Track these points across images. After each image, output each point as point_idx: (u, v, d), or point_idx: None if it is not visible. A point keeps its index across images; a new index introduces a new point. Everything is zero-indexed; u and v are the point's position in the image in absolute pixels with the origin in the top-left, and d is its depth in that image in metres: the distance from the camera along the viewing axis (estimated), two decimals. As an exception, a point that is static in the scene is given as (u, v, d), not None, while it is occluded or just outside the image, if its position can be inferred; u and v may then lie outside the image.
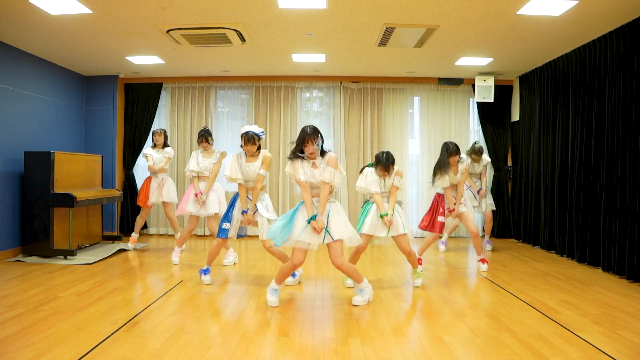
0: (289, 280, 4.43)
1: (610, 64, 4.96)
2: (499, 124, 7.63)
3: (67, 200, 5.62)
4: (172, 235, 7.55)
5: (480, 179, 6.24)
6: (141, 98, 7.59)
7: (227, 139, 7.72)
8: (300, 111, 7.74)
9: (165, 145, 6.19)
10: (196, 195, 5.24)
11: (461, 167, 5.02)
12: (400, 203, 4.41)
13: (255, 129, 4.28)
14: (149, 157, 6.12)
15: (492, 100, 7.19)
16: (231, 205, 4.40)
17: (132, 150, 7.54)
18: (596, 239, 5.22)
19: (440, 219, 4.96)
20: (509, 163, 7.67)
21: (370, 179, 4.26)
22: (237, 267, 5.28)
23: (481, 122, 7.60)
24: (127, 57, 6.36)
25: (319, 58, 6.42)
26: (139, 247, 6.40)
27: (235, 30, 5.19)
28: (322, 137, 3.67)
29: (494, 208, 6.42)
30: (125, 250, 6.22)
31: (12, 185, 5.73)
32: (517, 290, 4.26)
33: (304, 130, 3.62)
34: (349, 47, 5.87)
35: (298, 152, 3.65)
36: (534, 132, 6.78)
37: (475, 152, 6.08)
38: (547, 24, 4.87)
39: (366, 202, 4.42)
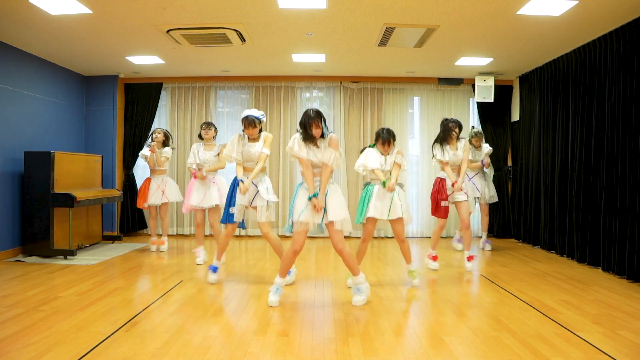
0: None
1: (610, 64, 4.96)
2: (499, 124, 7.63)
3: (67, 200, 5.62)
4: (173, 236, 7.57)
5: (483, 170, 6.33)
6: (141, 98, 7.59)
7: (227, 139, 7.69)
8: (300, 111, 7.73)
9: (164, 145, 6.19)
10: (194, 175, 5.28)
11: (460, 144, 5.02)
12: (402, 185, 4.39)
13: (255, 112, 4.31)
14: (143, 156, 6.18)
15: (492, 100, 7.19)
16: (232, 190, 4.38)
17: (132, 150, 7.54)
18: (596, 239, 5.22)
19: (443, 203, 4.98)
20: (509, 163, 7.67)
21: (370, 156, 4.27)
22: (237, 267, 5.27)
23: (481, 122, 7.60)
24: (127, 57, 6.36)
25: (319, 58, 6.42)
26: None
27: (235, 30, 5.19)
28: (324, 118, 3.70)
29: (497, 199, 6.48)
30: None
31: (12, 185, 5.74)
32: (517, 290, 4.26)
33: (307, 114, 3.65)
34: (349, 47, 5.87)
35: (305, 135, 3.67)
36: (534, 132, 6.78)
37: (475, 135, 6.15)
38: (547, 24, 4.87)
39: (367, 184, 4.40)
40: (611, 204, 4.90)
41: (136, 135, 7.56)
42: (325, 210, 3.67)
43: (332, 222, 3.70)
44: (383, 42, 5.56)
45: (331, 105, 7.72)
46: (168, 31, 5.19)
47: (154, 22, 4.93)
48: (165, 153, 6.13)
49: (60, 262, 5.41)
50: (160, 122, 7.79)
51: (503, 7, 4.44)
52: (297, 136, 3.75)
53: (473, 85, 7.38)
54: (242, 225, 4.44)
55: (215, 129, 5.52)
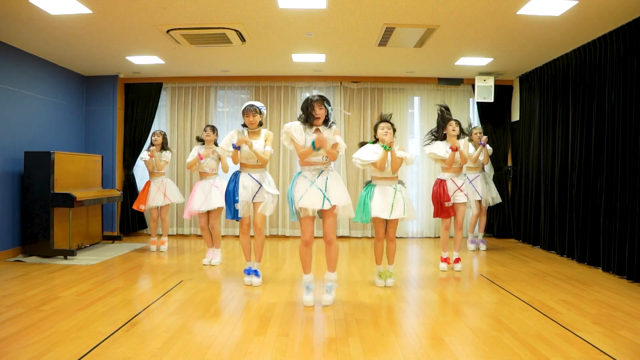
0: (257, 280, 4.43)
1: (610, 64, 4.96)
2: (499, 124, 7.63)
3: (67, 200, 5.62)
4: (173, 236, 7.58)
5: (482, 170, 6.34)
6: (141, 98, 7.59)
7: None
8: (300, 111, 7.72)
9: (164, 147, 6.17)
10: (200, 156, 5.32)
11: (461, 142, 5.01)
12: (402, 183, 4.38)
13: (257, 103, 4.37)
14: (142, 160, 6.22)
15: (492, 100, 7.19)
16: (233, 187, 4.35)
17: (132, 150, 7.54)
18: (596, 239, 5.22)
19: (447, 204, 4.98)
20: (509, 163, 7.67)
21: (370, 150, 4.22)
22: (238, 267, 5.28)
23: (481, 122, 7.59)
24: (127, 57, 6.36)
25: (319, 58, 6.42)
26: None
27: (235, 30, 5.19)
28: (328, 101, 3.70)
29: (500, 200, 6.49)
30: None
31: (12, 185, 5.74)
32: (517, 290, 4.26)
33: (309, 97, 3.69)
34: (349, 47, 5.87)
35: (306, 118, 3.67)
36: (534, 132, 6.78)
37: (477, 133, 6.16)
38: (547, 24, 4.87)
39: (368, 183, 4.39)
40: (611, 204, 4.90)
41: (136, 135, 7.56)
42: (325, 196, 3.61)
43: (330, 209, 3.65)
44: (383, 42, 5.56)
45: (331, 105, 7.71)
46: (168, 31, 5.19)
47: (154, 22, 4.93)
48: (165, 157, 6.13)
49: (60, 262, 5.41)
50: (160, 122, 7.80)
51: (503, 7, 4.44)
52: (293, 123, 3.75)
53: (473, 85, 7.38)
54: (237, 218, 4.36)
55: (217, 135, 5.56)
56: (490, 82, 7.14)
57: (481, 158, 6.25)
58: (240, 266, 5.33)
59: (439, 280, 4.75)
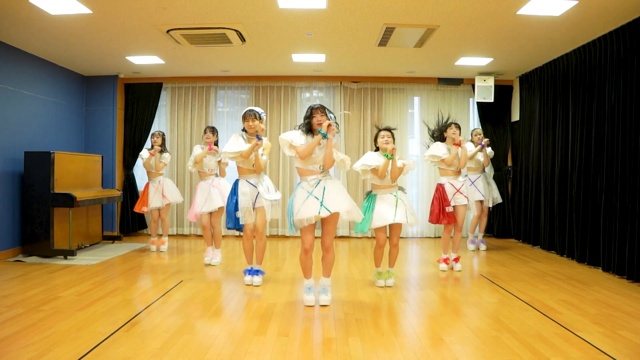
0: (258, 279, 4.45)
1: (610, 64, 4.96)
2: (499, 124, 7.63)
3: (67, 200, 5.62)
4: (173, 236, 7.57)
5: (483, 171, 6.35)
6: (141, 98, 7.58)
7: (227, 139, 7.70)
8: (300, 111, 7.74)
9: (163, 148, 6.16)
10: (210, 147, 5.34)
11: (464, 144, 5.05)
12: (403, 189, 4.38)
13: (257, 109, 4.42)
14: (141, 157, 6.21)
15: (492, 100, 7.19)
16: (234, 194, 4.38)
17: (132, 150, 7.54)
18: (596, 239, 5.22)
19: (448, 209, 4.98)
20: (509, 163, 7.67)
21: (372, 158, 4.22)
22: (238, 267, 5.28)
23: (481, 122, 7.59)
24: (127, 57, 6.36)
25: (319, 58, 6.42)
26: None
27: (235, 30, 5.19)
28: (329, 111, 3.71)
29: (501, 201, 6.51)
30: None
31: (12, 185, 5.74)
32: (517, 290, 4.26)
33: (311, 106, 3.72)
34: (349, 47, 5.87)
35: (307, 125, 3.69)
36: (534, 132, 6.78)
37: (478, 134, 6.18)
38: (547, 24, 4.87)
39: (369, 193, 4.39)
40: (611, 204, 4.90)
41: (136, 135, 7.56)
42: (322, 204, 3.58)
43: (329, 217, 3.63)
44: (383, 42, 5.56)
45: (331, 105, 7.72)
46: (168, 31, 5.19)
47: (154, 22, 4.93)
48: (165, 159, 6.13)
49: (60, 262, 5.41)
50: (160, 122, 7.80)
51: (503, 7, 4.44)
52: (290, 131, 3.77)
53: (473, 85, 7.38)
54: (239, 227, 4.43)
55: (217, 136, 5.56)
56: (490, 82, 7.14)
57: (481, 159, 6.26)
58: (241, 266, 5.33)
59: (439, 280, 4.75)
